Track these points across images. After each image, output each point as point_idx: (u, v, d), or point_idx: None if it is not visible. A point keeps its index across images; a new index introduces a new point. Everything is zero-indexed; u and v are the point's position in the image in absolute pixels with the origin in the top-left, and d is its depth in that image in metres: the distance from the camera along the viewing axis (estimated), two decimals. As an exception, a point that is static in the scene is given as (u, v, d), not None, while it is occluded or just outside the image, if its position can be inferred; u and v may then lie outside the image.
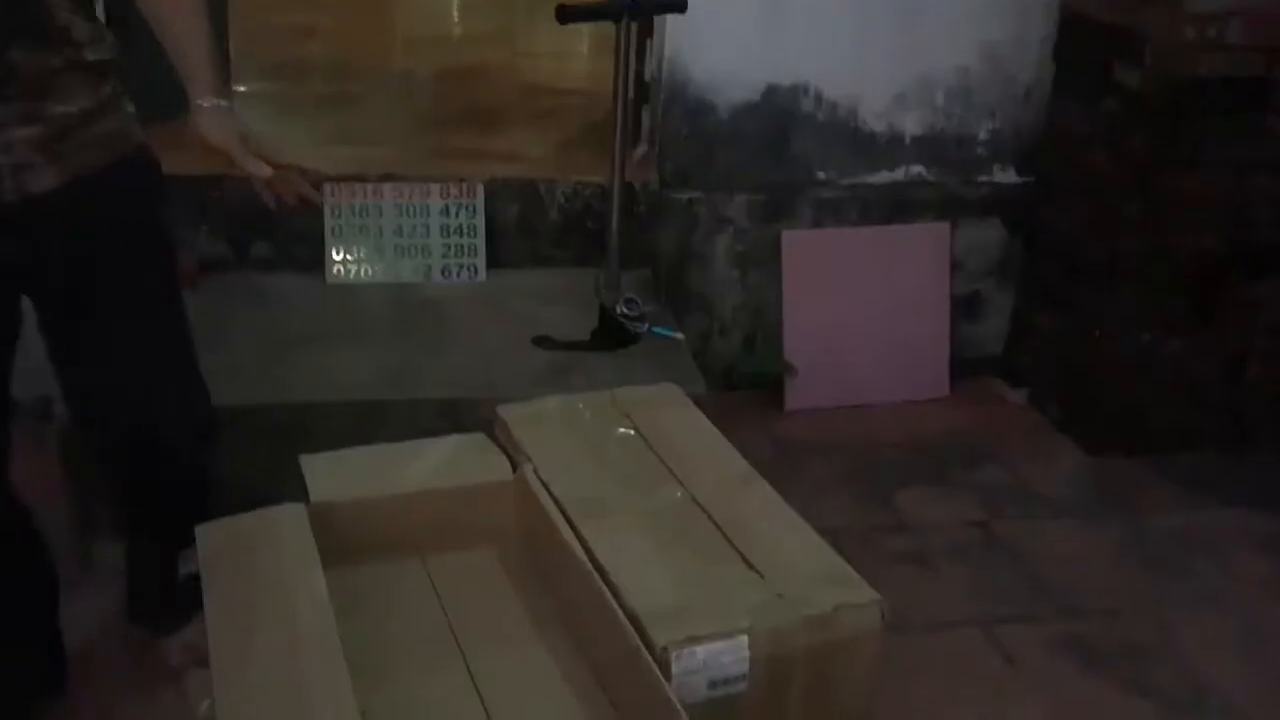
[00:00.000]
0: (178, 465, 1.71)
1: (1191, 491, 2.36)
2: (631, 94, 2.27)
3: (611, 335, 2.18)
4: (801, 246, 2.59)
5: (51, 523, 1.95)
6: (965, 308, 2.72)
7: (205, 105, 1.60)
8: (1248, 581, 2.09)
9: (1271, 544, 2.20)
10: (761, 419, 2.55)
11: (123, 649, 1.78)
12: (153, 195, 1.63)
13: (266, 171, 1.63)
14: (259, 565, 1.41)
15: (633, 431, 1.75)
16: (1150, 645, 1.92)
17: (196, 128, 1.60)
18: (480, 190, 2.41)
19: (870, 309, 2.63)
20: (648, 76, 2.52)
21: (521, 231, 2.49)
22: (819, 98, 2.53)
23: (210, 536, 1.46)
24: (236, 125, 1.63)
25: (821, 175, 2.59)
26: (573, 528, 1.51)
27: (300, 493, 1.55)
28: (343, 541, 1.51)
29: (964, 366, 2.72)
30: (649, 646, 1.31)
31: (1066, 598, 2.03)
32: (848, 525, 1.59)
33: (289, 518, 1.49)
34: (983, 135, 2.63)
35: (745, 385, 2.62)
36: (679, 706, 1.21)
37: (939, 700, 1.77)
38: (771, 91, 2.50)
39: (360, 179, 2.39)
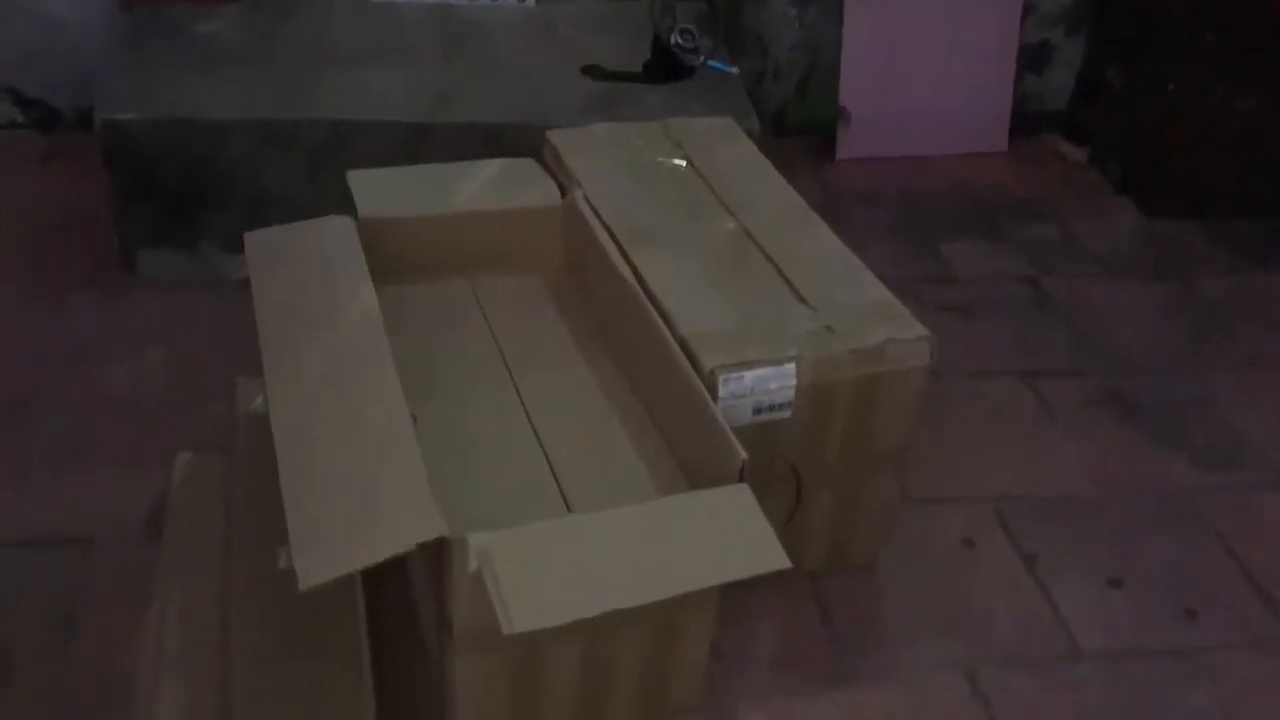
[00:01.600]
0: None
1: (1247, 257, 2.31)
2: None
3: (664, 67, 2.10)
4: (865, -16, 2.46)
5: (96, 230, 1.97)
6: (1031, 58, 2.60)
7: None
8: (1296, 346, 2.07)
9: (1324, 311, 2.17)
10: (812, 166, 2.49)
11: (164, 365, 1.81)
12: None
13: None
14: (307, 272, 1.41)
15: (685, 162, 1.70)
16: (1190, 403, 1.92)
17: None
18: (531, -92, 2.28)
19: (932, 54, 2.52)
20: None
21: (572, -45, 2.37)
22: None
23: (258, 243, 1.45)
24: None
25: (892, -94, 2.43)
26: (623, 253, 1.49)
27: (343, 210, 1.53)
28: (389, 259, 1.50)
29: (1025, 121, 2.62)
30: (697, 369, 1.32)
31: (1110, 354, 2.02)
32: (893, 274, 1.55)
33: (337, 228, 1.47)
34: None
35: (797, 131, 2.55)
36: (726, 427, 1.22)
37: (975, 443, 1.79)
38: None
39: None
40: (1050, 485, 1.73)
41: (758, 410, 1.35)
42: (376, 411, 1.22)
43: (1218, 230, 2.38)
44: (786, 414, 1.37)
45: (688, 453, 1.31)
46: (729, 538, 1.13)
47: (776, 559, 1.10)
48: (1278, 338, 2.09)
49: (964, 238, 2.31)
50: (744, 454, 1.18)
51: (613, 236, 1.51)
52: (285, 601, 1.27)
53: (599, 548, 1.11)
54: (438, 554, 1.15)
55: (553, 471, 1.31)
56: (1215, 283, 2.23)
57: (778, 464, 1.40)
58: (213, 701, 1.23)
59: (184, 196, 1.90)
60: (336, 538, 1.10)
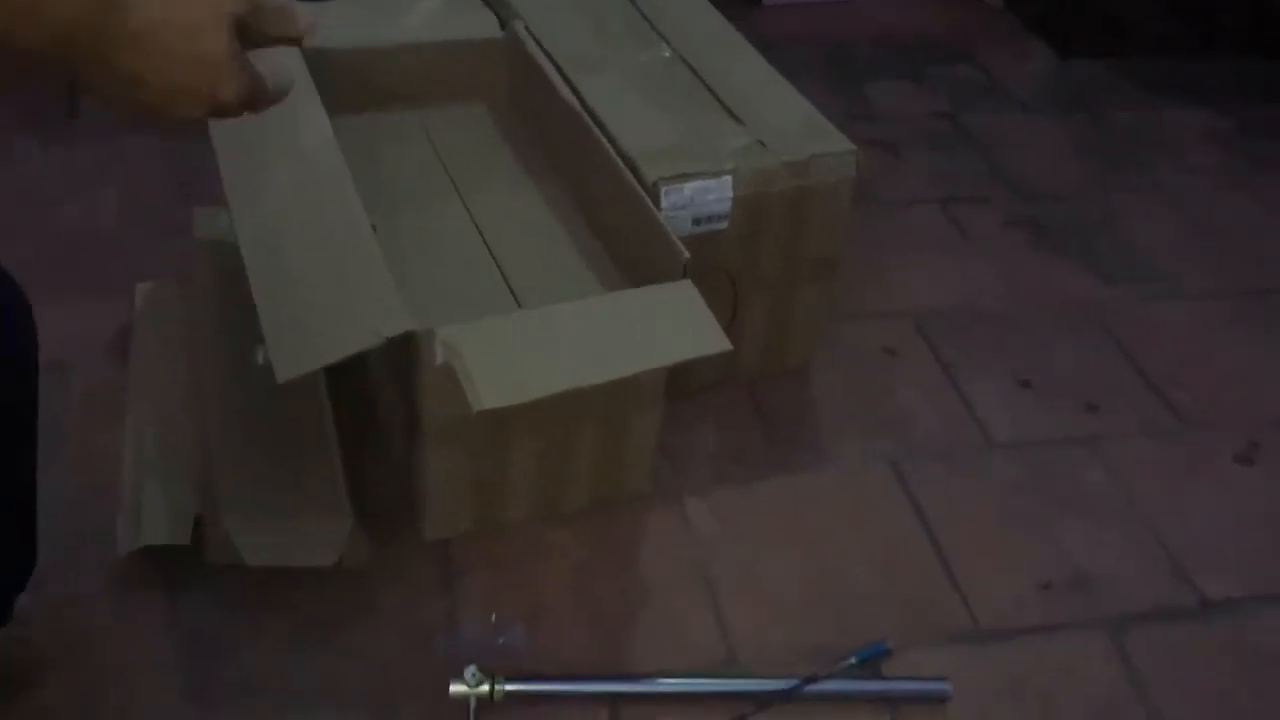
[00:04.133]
0: None
1: (1156, 92, 2.43)
2: None
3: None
4: None
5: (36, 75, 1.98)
6: (952, -98, 2.67)
7: None
8: (1198, 172, 2.20)
9: (1224, 140, 2.30)
10: (739, 11, 2.52)
11: (116, 203, 1.85)
12: None
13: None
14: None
15: (619, -6, 1.76)
16: (1097, 225, 2.04)
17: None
18: None
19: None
20: None
21: None
22: None
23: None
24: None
25: None
26: (566, 80, 1.56)
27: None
28: (337, 89, 1.54)
29: (945, -34, 2.70)
30: (641, 182, 1.40)
31: (1022, 183, 2.13)
32: (819, 111, 1.64)
33: (284, 58, 1.51)
34: None
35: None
36: (669, 229, 1.32)
37: (896, 264, 1.90)
38: None
39: None
40: (966, 300, 1.85)
41: (697, 221, 1.44)
42: (338, 223, 1.29)
43: (1129, 67, 2.49)
44: (724, 225, 1.46)
45: (632, 258, 1.41)
46: (675, 326, 1.23)
47: (718, 342, 1.20)
48: (1181, 165, 2.22)
49: (887, 79, 2.40)
50: (686, 253, 1.28)
51: (555, 65, 1.58)
52: (254, 401, 1.36)
53: (557, 336, 1.20)
54: (404, 350, 1.24)
55: (505, 278, 1.40)
56: (1124, 116, 2.35)
57: (715, 272, 1.50)
58: (195, 497, 1.32)
59: (124, 39, 1.91)
60: (309, 336, 1.18)
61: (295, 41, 0.84)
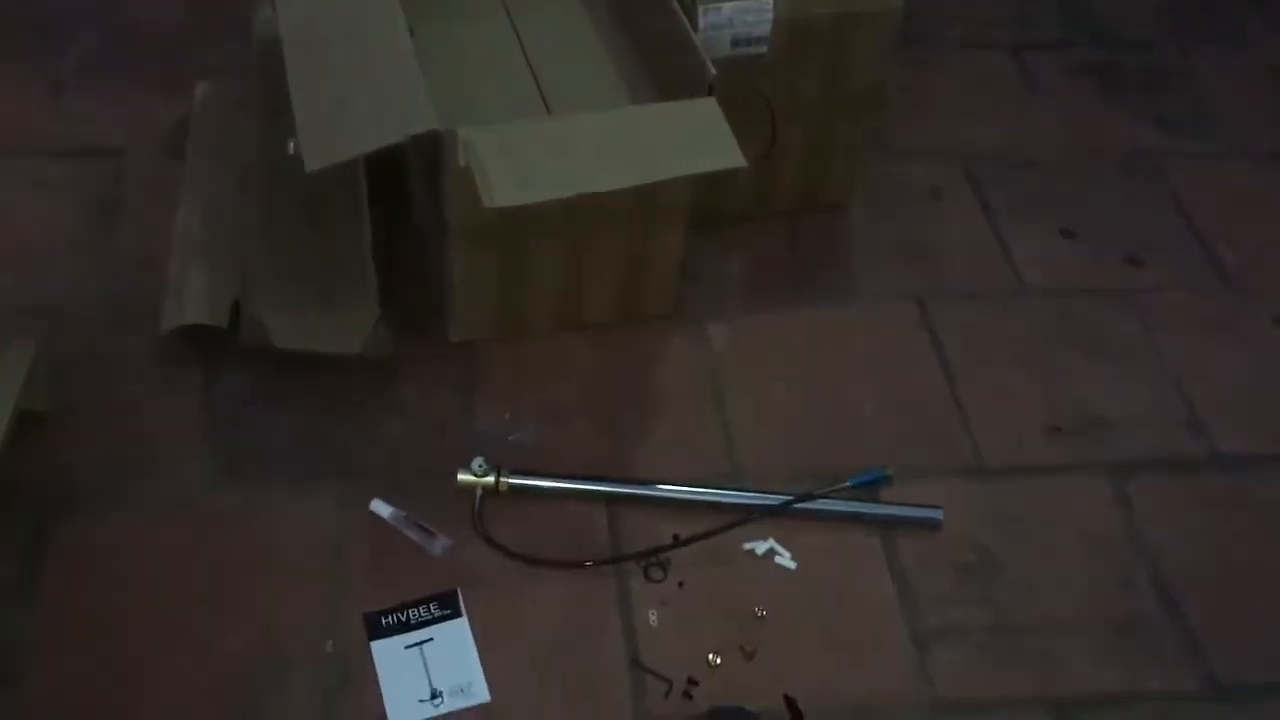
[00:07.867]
0: None
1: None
2: None
3: None
4: None
5: None
6: None
7: None
8: (1289, 32, 2.11)
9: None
10: None
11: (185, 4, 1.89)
12: None
13: None
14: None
15: None
16: (1173, 78, 1.97)
17: None
18: None
19: None
20: None
21: None
22: None
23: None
24: None
25: None
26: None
27: None
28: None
29: None
30: (681, 2, 1.40)
31: (1102, 32, 2.06)
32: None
33: None
34: None
35: None
36: (699, 47, 1.32)
37: (955, 106, 1.87)
38: None
39: None
40: (1021, 146, 1.82)
41: (735, 43, 1.43)
42: (377, 24, 1.31)
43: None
44: (763, 49, 1.45)
45: (666, 76, 1.41)
46: (693, 140, 1.24)
47: (734, 158, 1.21)
48: (1272, 23, 2.12)
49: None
50: (714, 70, 1.28)
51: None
52: (294, 195, 1.41)
53: (575, 143, 1.22)
54: (432, 151, 1.28)
55: (540, 89, 1.42)
56: (1220, -34, 2.24)
57: (753, 99, 1.50)
58: (235, 283, 1.38)
59: None
60: (338, 130, 1.22)
61: None
